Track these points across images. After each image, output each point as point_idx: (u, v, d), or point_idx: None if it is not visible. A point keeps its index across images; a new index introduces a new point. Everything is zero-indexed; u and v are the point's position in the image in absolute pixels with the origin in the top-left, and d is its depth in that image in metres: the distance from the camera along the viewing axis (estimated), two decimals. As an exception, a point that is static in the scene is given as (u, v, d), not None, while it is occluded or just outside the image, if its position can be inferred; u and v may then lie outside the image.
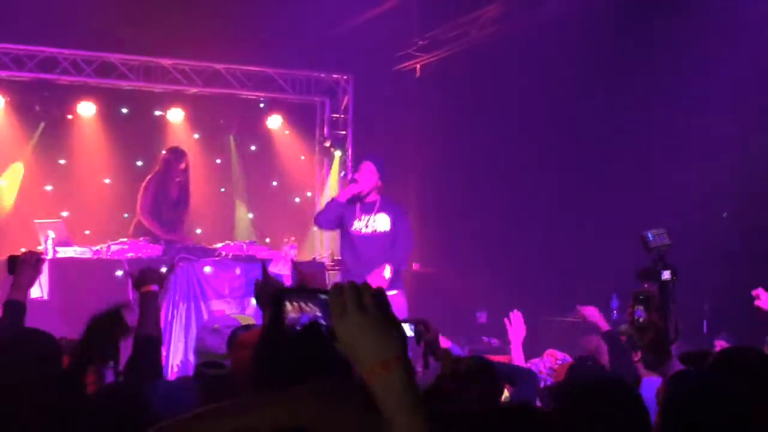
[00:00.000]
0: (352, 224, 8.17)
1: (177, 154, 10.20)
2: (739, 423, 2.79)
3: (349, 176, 12.33)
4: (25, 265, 4.17)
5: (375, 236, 8.18)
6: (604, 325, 5.64)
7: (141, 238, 9.43)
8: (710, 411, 2.80)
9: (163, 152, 10.47)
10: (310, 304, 1.77)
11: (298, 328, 1.76)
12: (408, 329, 4.42)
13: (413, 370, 1.64)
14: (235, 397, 3.45)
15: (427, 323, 4.45)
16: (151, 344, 3.97)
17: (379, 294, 1.67)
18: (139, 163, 12.12)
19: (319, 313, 1.76)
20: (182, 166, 10.14)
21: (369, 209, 8.17)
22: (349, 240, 8.25)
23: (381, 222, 8.19)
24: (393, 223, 8.19)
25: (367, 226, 8.19)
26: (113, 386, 3.66)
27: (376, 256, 8.08)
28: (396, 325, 1.66)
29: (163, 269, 8.34)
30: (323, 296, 1.74)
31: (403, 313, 7.74)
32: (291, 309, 1.77)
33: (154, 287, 4.06)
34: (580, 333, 6.27)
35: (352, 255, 8.24)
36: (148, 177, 10.15)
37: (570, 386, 3.48)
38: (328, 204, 8.47)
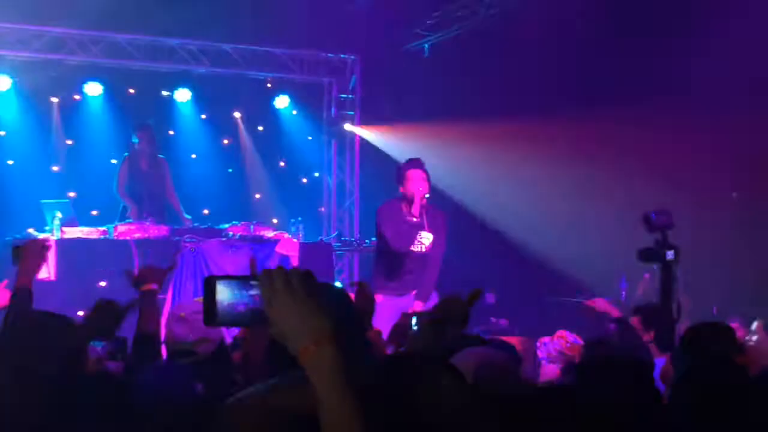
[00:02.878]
0: (413, 243, 7.63)
1: (137, 127, 10.35)
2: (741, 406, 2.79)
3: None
4: (29, 253, 4.15)
5: (423, 255, 7.69)
6: (615, 312, 5.63)
7: (127, 221, 9.48)
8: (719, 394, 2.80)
9: None
10: (243, 291, 1.78)
11: (235, 313, 1.77)
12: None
13: (345, 351, 1.66)
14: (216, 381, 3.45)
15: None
16: (150, 342, 3.95)
17: (308, 277, 1.72)
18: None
19: (252, 299, 1.77)
20: (144, 137, 10.23)
21: (420, 225, 7.64)
22: (398, 258, 7.66)
23: (427, 238, 7.69)
24: (433, 240, 7.68)
25: (420, 243, 7.69)
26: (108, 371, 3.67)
27: (418, 275, 7.66)
28: (324, 304, 1.71)
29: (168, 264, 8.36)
30: (254, 282, 1.76)
31: None
32: (224, 295, 1.78)
33: (154, 286, 4.05)
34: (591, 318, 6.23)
35: (398, 274, 7.68)
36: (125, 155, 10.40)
37: (593, 364, 3.46)
38: (398, 223, 7.69)
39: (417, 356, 1.97)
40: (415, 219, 7.54)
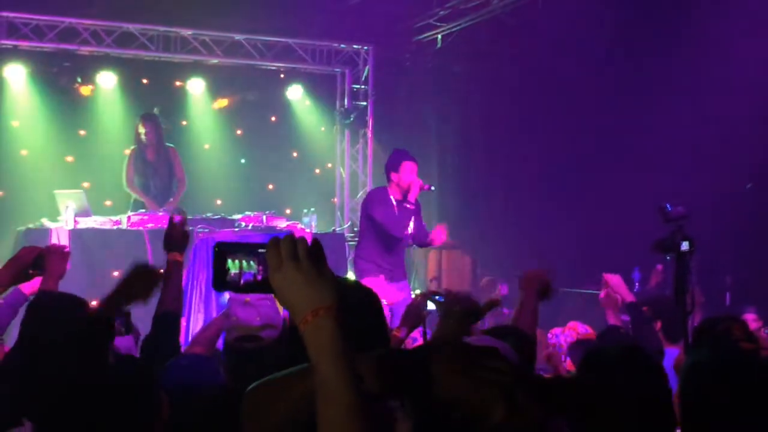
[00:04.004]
0: (407, 227, 8.06)
1: (142, 118, 10.33)
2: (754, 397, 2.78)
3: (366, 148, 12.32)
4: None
5: (406, 238, 8.18)
6: (628, 296, 5.60)
7: (140, 211, 9.49)
8: (729, 386, 2.79)
9: None
10: (251, 261, 1.80)
11: (242, 281, 1.80)
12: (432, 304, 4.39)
13: (344, 321, 1.67)
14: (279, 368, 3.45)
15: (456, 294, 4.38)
16: (168, 320, 3.95)
17: (314, 246, 1.72)
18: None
19: (261, 267, 1.79)
20: (149, 128, 10.22)
21: (414, 211, 8.07)
22: (388, 242, 8.07)
23: (411, 224, 8.14)
24: (416, 225, 8.18)
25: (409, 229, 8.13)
26: (124, 359, 3.67)
27: (402, 257, 8.30)
28: (328, 275, 1.71)
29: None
30: (262, 251, 1.77)
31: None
32: (232, 265, 1.80)
33: (179, 257, 4.05)
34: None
35: (389, 255, 8.12)
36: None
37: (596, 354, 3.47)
38: (391, 208, 8.06)
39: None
40: (409, 206, 7.91)
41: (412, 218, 8.00)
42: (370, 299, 2.60)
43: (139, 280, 3.83)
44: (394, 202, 7.98)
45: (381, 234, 8.00)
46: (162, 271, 4.02)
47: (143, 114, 10.53)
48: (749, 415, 2.74)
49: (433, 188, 8.17)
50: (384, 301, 4.19)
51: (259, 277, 1.79)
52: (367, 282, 7.46)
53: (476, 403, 1.65)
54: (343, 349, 1.65)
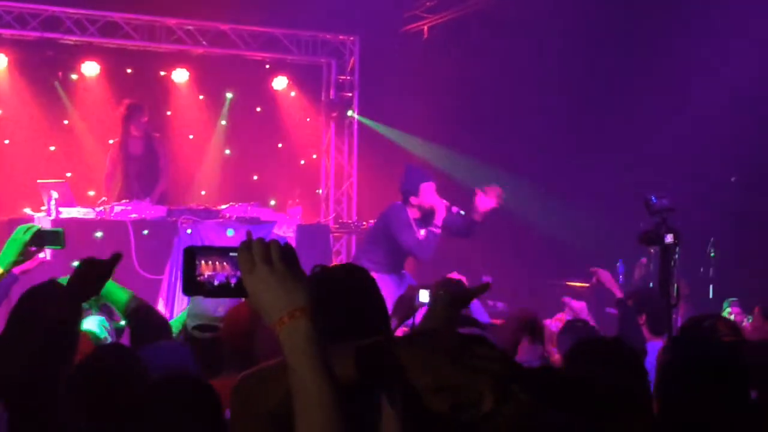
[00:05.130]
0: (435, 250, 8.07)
1: (134, 108, 10.16)
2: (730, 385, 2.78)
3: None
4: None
5: None
6: (618, 292, 5.62)
7: (123, 201, 9.41)
8: (705, 375, 2.80)
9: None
10: (223, 263, 1.79)
11: (215, 284, 1.78)
12: (429, 296, 4.38)
13: (319, 323, 1.68)
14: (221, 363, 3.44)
15: (448, 287, 4.39)
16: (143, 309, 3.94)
17: (286, 248, 1.73)
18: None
19: (232, 270, 1.78)
20: (142, 119, 10.10)
21: (437, 236, 8.03)
22: (404, 257, 8.16)
23: None
24: None
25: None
26: (106, 347, 3.66)
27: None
28: (302, 278, 1.72)
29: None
30: (233, 254, 1.76)
31: None
32: (205, 267, 1.79)
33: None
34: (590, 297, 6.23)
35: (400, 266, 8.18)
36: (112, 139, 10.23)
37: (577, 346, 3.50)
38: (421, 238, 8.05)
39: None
40: (436, 230, 7.83)
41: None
42: (365, 282, 2.58)
43: (84, 275, 3.82)
44: (416, 225, 7.89)
45: (394, 247, 7.95)
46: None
47: (131, 104, 10.38)
48: (724, 409, 2.76)
49: (462, 213, 8.03)
50: None
51: (233, 281, 1.78)
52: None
53: (465, 391, 1.65)
54: (319, 350, 1.65)
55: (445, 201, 7.89)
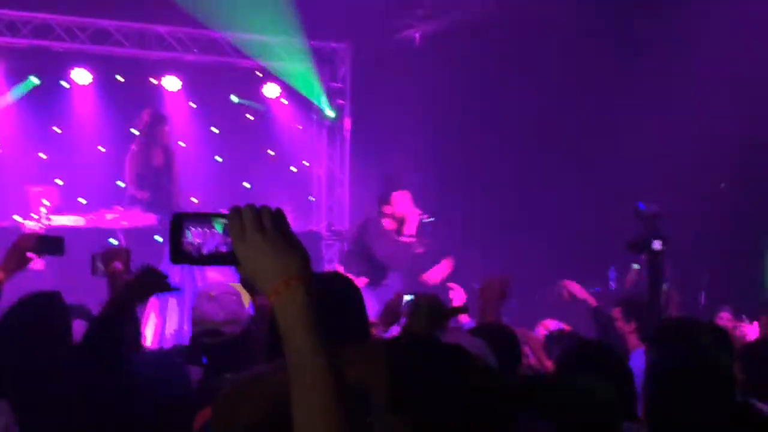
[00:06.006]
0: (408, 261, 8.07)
1: (158, 118, 10.12)
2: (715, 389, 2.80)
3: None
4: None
5: None
6: (592, 301, 5.63)
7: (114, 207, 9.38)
8: (689, 379, 2.81)
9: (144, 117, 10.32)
10: (212, 229, 1.70)
11: (204, 252, 1.69)
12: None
13: (315, 290, 1.61)
14: (238, 363, 3.45)
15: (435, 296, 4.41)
16: (112, 323, 3.94)
17: (278, 214, 1.66)
18: (135, 132, 12.02)
19: (221, 238, 1.69)
20: (165, 129, 10.06)
21: (415, 244, 8.05)
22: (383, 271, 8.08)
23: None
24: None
25: None
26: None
27: None
28: (296, 243, 1.64)
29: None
30: (223, 220, 1.69)
31: None
32: (193, 235, 1.70)
33: (118, 265, 4.04)
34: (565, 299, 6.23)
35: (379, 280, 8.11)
36: (132, 145, 10.10)
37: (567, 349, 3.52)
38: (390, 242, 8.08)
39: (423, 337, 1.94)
40: (407, 239, 7.78)
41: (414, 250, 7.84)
42: (350, 291, 2.56)
43: (146, 281, 3.82)
44: (392, 235, 7.83)
45: (371, 259, 7.85)
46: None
47: (154, 113, 10.29)
48: (708, 412, 2.77)
49: (432, 219, 7.98)
50: None
51: (222, 249, 1.69)
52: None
53: (456, 392, 1.65)
54: (316, 319, 1.59)
55: (418, 210, 7.81)
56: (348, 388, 1.58)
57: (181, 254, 1.70)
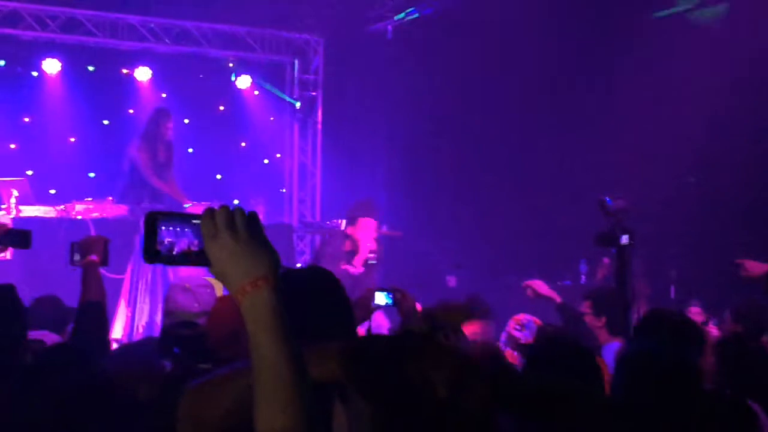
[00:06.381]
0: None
1: (161, 113, 10.09)
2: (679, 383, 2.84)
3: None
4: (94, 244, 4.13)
5: None
6: (557, 297, 5.65)
7: (86, 200, 9.31)
8: (656, 373, 2.85)
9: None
10: (185, 229, 1.73)
11: (174, 252, 1.72)
12: (386, 298, 4.40)
13: (283, 292, 1.64)
14: (212, 356, 3.44)
15: (404, 292, 4.44)
16: (94, 309, 3.93)
17: (251, 216, 1.68)
18: (106, 122, 11.95)
19: (194, 237, 1.72)
20: (168, 125, 10.02)
21: (360, 278, 7.86)
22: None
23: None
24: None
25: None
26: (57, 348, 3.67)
27: None
28: (267, 246, 1.67)
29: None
30: (196, 221, 1.71)
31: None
32: (165, 233, 1.72)
33: (93, 257, 4.02)
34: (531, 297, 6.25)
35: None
36: (136, 140, 10.01)
37: (537, 348, 3.55)
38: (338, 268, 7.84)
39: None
40: (352, 269, 7.76)
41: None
42: (329, 283, 2.57)
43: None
44: (344, 258, 7.80)
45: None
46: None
47: (164, 109, 10.24)
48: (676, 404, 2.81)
49: (373, 263, 7.91)
50: None
51: (195, 248, 1.71)
52: None
53: (423, 381, 1.65)
54: (283, 321, 1.61)
55: (373, 245, 7.85)
56: (312, 387, 1.61)
57: (154, 253, 1.72)
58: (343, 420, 1.75)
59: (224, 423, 1.77)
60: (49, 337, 4.40)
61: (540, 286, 5.78)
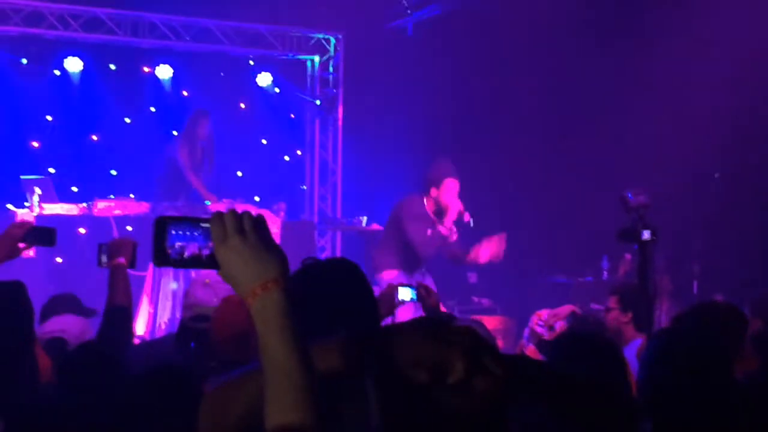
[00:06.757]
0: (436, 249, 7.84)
1: (200, 113, 10.17)
2: (711, 376, 2.81)
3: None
4: (124, 246, 4.14)
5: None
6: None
7: (109, 197, 9.36)
8: (684, 365, 2.81)
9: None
10: (195, 233, 1.74)
11: (186, 256, 1.74)
12: (410, 293, 4.39)
13: (292, 294, 1.66)
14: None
15: (429, 288, 4.43)
16: (120, 314, 3.94)
17: (259, 219, 1.71)
18: (128, 120, 12.00)
19: (204, 241, 1.74)
20: (206, 128, 10.09)
21: (448, 237, 7.77)
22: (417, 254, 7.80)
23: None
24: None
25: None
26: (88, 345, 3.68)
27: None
28: (275, 248, 1.69)
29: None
30: (205, 224, 1.73)
31: None
32: (175, 237, 1.75)
33: (121, 260, 4.02)
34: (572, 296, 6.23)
35: (415, 262, 7.84)
36: (178, 139, 10.13)
37: (560, 339, 3.53)
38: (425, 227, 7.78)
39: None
40: (443, 230, 7.53)
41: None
42: (353, 275, 2.57)
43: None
44: (430, 218, 7.61)
45: (406, 242, 7.63)
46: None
47: (202, 110, 10.35)
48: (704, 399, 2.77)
49: (472, 224, 7.72)
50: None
51: (205, 252, 1.73)
52: (384, 276, 7.40)
53: (437, 361, 1.65)
54: (293, 323, 1.63)
55: (461, 205, 7.64)
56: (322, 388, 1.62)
57: (163, 257, 1.74)
58: (353, 413, 1.75)
59: (238, 428, 1.78)
60: (71, 323, 4.43)
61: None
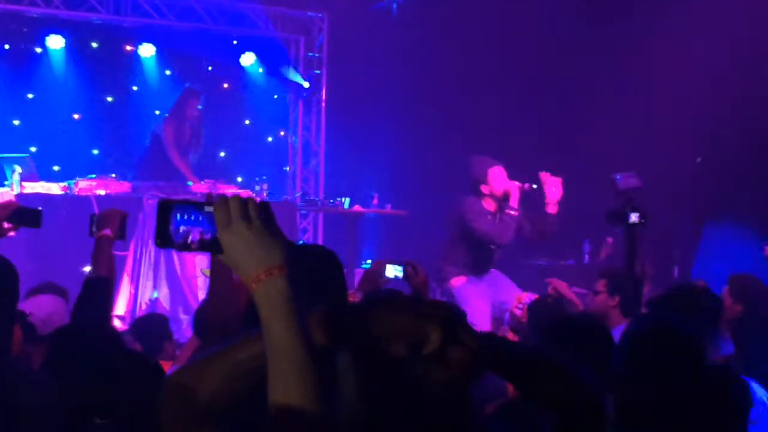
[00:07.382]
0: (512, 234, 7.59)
1: (189, 94, 10.12)
2: (685, 359, 2.84)
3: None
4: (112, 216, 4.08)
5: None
6: (578, 303, 5.62)
7: (89, 177, 9.31)
8: (659, 348, 2.83)
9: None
10: (198, 216, 1.74)
11: (189, 239, 1.73)
12: (396, 271, 4.38)
13: (295, 281, 1.67)
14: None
15: (416, 265, 4.42)
16: (100, 284, 3.89)
17: (264, 205, 1.72)
18: (110, 99, 11.93)
19: (207, 225, 1.74)
20: (196, 106, 10.04)
21: (518, 216, 7.56)
22: (485, 250, 7.60)
23: None
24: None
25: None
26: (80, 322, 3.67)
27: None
28: (280, 235, 1.71)
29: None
30: (209, 209, 1.73)
31: None
32: (179, 221, 1.74)
33: (107, 231, 3.98)
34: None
35: (482, 263, 7.65)
36: (166, 116, 10.10)
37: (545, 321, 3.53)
38: (494, 217, 7.58)
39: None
40: (513, 212, 7.41)
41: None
42: (329, 258, 2.60)
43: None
44: (492, 213, 7.49)
45: (476, 242, 7.47)
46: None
47: (192, 89, 10.30)
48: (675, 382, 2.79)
49: (535, 186, 7.57)
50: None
51: (207, 236, 1.73)
52: (453, 284, 7.38)
53: (413, 334, 1.66)
54: (296, 308, 1.65)
55: (516, 182, 7.52)
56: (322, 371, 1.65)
57: (167, 239, 1.74)
58: (329, 385, 1.76)
59: (212, 406, 1.76)
60: (39, 306, 4.42)
61: (564, 287, 5.74)
